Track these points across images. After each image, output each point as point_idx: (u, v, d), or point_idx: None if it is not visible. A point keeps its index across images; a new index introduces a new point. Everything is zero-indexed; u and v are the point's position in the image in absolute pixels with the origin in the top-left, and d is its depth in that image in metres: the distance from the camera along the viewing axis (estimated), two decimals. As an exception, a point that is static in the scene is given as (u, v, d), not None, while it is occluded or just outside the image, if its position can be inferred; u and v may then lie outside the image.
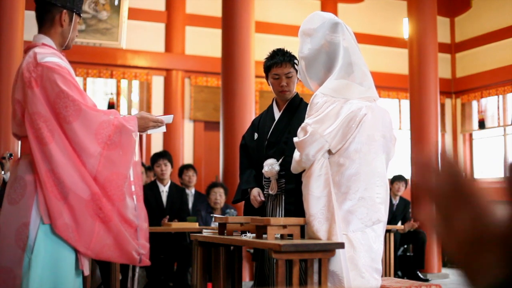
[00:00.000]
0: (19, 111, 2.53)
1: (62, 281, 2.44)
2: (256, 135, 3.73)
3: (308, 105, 3.25)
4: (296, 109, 3.63)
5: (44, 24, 2.67)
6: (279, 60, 3.60)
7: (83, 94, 2.54)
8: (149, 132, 2.72)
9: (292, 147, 3.40)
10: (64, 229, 2.43)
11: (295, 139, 3.21)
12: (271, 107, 3.75)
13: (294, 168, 3.25)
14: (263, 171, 3.52)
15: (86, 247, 2.46)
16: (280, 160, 3.52)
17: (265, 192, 3.60)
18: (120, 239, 2.51)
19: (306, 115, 3.23)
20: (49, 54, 2.54)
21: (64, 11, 2.64)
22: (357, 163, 3.11)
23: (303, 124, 3.19)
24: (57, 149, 2.43)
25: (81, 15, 2.74)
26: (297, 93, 3.72)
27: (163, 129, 2.74)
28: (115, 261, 2.57)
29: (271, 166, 3.49)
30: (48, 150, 2.42)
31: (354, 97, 3.16)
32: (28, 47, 2.62)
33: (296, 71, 3.57)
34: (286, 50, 3.68)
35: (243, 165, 3.76)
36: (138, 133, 2.62)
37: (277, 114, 3.68)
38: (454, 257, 0.71)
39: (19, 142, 2.72)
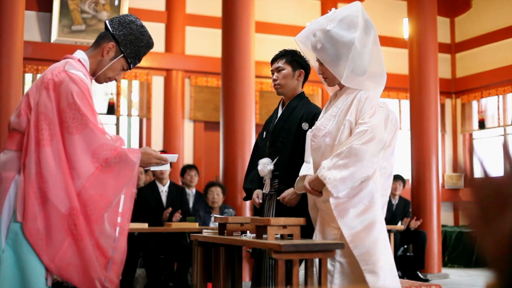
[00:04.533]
0: (24, 104, 2.53)
1: (31, 285, 2.39)
2: (264, 134, 3.74)
3: (358, 104, 3.05)
4: (293, 109, 3.61)
5: (93, 44, 2.69)
6: (274, 57, 3.63)
7: (95, 114, 2.53)
8: (152, 169, 2.69)
9: (286, 147, 3.41)
10: (34, 233, 2.38)
11: (358, 145, 2.92)
12: (277, 106, 3.76)
13: (344, 184, 2.91)
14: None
15: (50, 259, 2.41)
16: (275, 159, 3.51)
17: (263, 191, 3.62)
18: (87, 263, 2.44)
19: (356, 113, 3.04)
20: (78, 69, 2.55)
21: (113, 43, 2.64)
22: (390, 166, 3.17)
23: (369, 128, 2.93)
24: (51, 153, 2.42)
25: (131, 65, 2.70)
26: (302, 92, 3.67)
27: (167, 167, 2.71)
28: (75, 284, 2.48)
29: (263, 165, 3.49)
30: (43, 152, 2.42)
31: (381, 105, 3.16)
32: (65, 56, 2.64)
33: (293, 68, 3.55)
34: (287, 49, 3.67)
35: (251, 164, 3.77)
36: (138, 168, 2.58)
37: (280, 113, 3.69)
38: (489, 258, 0.70)
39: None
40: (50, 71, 2.53)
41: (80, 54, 2.66)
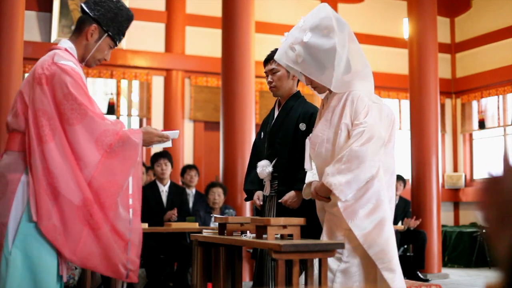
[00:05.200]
0: (19, 103, 2.51)
1: (42, 285, 2.39)
2: (262, 134, 3.73)
3: (351, 105, 3.03)
4: (290, 109, 3.60)
5: (75, 31, 2.68)
6: (266, 59, 3.61)
7: (92, 101, 2.52)
8: (154, 146, 2.69)
9: (285, 148, 3.40)
10: (51, 230, 2.38)
11: (357, 147, 2.89)
12: (274, 106, 3.75)
13: (350, 187, 2.88)
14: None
15: (72, 252, 2.41)
16: (273, 161, 3.50)
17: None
18: (107, 249, 2.45)
19: (350, 114, 3.01)
20: (67, 59, 2.54)
21: (95, 25, 2.63)
22: (392, 163, 3.17)
23: (365, 128, 2.91)
24: (55, 148, 2.41)
25: (117, 42, 2.70)
26: (298, 91, 3.66)
27: (169, 144, 2.70)
28: (100, 272, 2.53)
29: (262, 167, 3.49)
30: (47, 148, 2.40)
31: (375, 100, 3.15)
32: (51, 48, 2.62)
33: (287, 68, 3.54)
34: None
35: (251, 164, 3.76)
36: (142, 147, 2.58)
37: (276, 114, 3.68)
38: (501, 258, 0.70)
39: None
40: (39, 65, 2.50)
41: (65, 43, 2.63)
